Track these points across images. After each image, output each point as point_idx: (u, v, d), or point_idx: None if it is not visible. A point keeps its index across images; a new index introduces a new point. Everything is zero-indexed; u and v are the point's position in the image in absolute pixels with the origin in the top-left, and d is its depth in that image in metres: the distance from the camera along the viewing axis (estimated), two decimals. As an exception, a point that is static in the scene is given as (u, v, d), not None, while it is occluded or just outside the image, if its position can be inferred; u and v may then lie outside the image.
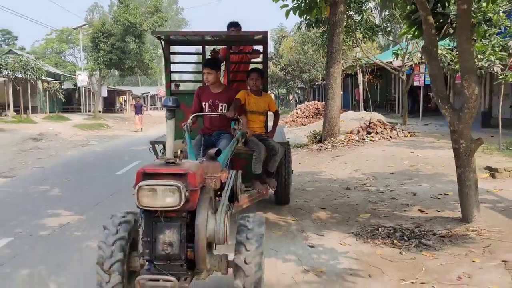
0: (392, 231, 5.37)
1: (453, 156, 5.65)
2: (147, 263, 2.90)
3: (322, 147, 12.08)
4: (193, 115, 4.96)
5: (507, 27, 10.58)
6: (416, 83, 19.90)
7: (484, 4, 6.52)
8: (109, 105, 44.69)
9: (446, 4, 5.90)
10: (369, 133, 13.02)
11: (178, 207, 2.62)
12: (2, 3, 54.04)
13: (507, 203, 6.42)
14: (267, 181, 5.77)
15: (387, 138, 12.54)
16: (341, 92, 15.15)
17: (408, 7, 6.41)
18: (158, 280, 2.64)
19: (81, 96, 38.76)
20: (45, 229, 5.81)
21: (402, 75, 17.12)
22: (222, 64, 6.51)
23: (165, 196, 2.61)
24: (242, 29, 6.68)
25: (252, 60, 7.16)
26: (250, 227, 3.04)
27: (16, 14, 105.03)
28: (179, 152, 2.99)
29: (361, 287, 3.95)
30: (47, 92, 32.44)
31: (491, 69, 9.55)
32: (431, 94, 20.47)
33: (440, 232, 5.26)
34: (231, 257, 3.11)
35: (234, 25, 6.78)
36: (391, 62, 18.75)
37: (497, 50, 9.99)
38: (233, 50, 6.69)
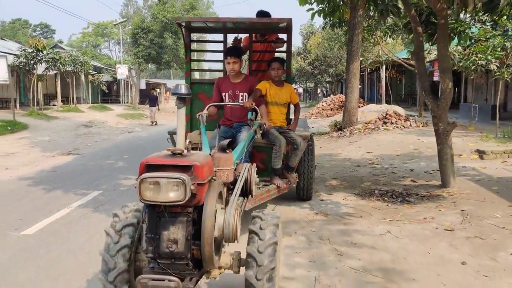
0: (385, 192, 7.03)
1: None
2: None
3: (341, 134, 13.73)
4: (208, 105, 4.95)
5: (509, 29, 11.90)
6: (435, 78, 21.18)
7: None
8: (145, 97, 47.03)
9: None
10: (385, 123, 14.58)
11: (182, 202, 2.42)
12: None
13: (484, 176, 7.94)
14: (288, 176, 5.62)
15: (400, 128, 14.07)
16: (360, 86, 16.62)
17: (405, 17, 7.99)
18: (159, 280, 2.49)
19: (119, 88, 41.21)
20: (123, 186, 7.76)
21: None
22: (245, 54, 6.35)
23: (169, 190, 2.40)
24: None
25: (276, 49, 6.80)
26: (264, 218, 2.96)
27: (55, 7, 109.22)
28: (187, 142, 2.75)
29: (354, 222, 5.64)
30: (90, 84, 35.00)
31: (489, 66, 10.97)
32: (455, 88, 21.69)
33: (422, 193, 6.89)
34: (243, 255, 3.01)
35: (263, 15, 6.44)
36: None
37: (498, 50, 11.36)
38: (257, 39, 6.49)
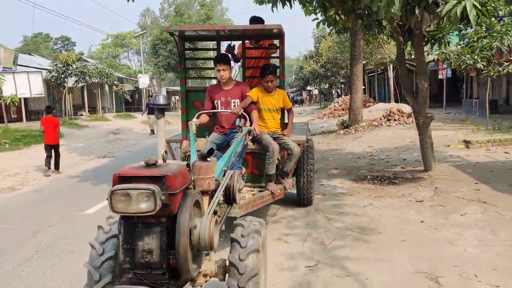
0: (376, 177, 8.36)
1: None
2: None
3: (347, 132, 15.06)
4: (198, 113, 5.09)
5: (495, 31, 13.04)
6: (440, 77, 22.34)
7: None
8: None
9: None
10: (388, 120, 15.85)
11: (153, 213, 2.44)
12: (60, 11, 59.77)
13: (464, 162, 9.18)
14: (283, 181, 5.55)
15: (402, 124, 15.33)
16: (364, 87, 17.85)
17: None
18: None
19: (141, 97, 43.06)
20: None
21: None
22: (239, 62, 6.50)
23: (139, 201, 2.43)
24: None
25: (271, 55, 6.78)
26: (246, 225, 2.97)
27: (74, 22, 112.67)
28: (163, 152, 2.84)
29: (345, 199, 6.99)
30: (113, 94, 36.94)
31: (476, 65, 12.20)
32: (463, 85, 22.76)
33: (407, 176, 8.20)
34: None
35: (256, 21, 6.51)
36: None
37: (485, 51, 12.55)
38: (252, 45, 6.55)
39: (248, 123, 5.09)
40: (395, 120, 15.70)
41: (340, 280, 4.03)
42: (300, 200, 6.47)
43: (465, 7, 5.25)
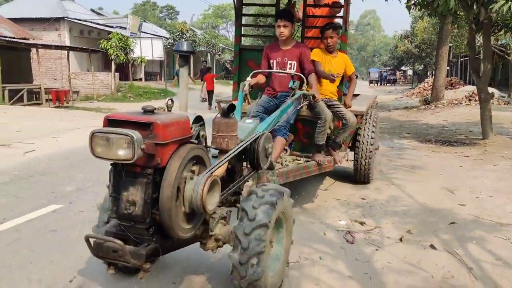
0: (439, 140, 10.16)
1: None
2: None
3: (427, 108, 16.58)
4: (252, 73, 4.80)
5: None
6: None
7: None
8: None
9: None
10: (469, 100, 17.05)
11: (131, 161, 2.24)
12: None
13: (522, 135, 10.63)
14: (333, 153, 5.16)
15: (482, 104, 16.48)
16: (448, 68, 18.94)
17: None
18: (103, 240, 2.41)
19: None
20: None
21: (508, 56, 20.13)
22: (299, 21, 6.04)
23: (118, 147, 2.24)
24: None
25: (336, 15, 5.97)
26: (260, 194, 2.77)
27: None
28: (168, 101, 2.65)
29: (408, 151, 8.95)
30: (214, 62, 40.38)
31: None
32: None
33: (465, 141, 9.92)
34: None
35: None
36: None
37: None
38: (315, 3, 6.20)
39: (304, 87, 4.61)
40: (475, 100, 16.78)
41: (386, 186, 6.20)
42: (357, 177, 6.08)
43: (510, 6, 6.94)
